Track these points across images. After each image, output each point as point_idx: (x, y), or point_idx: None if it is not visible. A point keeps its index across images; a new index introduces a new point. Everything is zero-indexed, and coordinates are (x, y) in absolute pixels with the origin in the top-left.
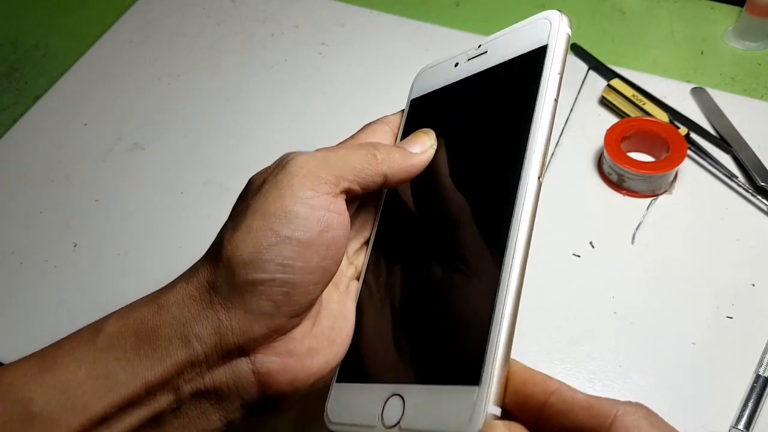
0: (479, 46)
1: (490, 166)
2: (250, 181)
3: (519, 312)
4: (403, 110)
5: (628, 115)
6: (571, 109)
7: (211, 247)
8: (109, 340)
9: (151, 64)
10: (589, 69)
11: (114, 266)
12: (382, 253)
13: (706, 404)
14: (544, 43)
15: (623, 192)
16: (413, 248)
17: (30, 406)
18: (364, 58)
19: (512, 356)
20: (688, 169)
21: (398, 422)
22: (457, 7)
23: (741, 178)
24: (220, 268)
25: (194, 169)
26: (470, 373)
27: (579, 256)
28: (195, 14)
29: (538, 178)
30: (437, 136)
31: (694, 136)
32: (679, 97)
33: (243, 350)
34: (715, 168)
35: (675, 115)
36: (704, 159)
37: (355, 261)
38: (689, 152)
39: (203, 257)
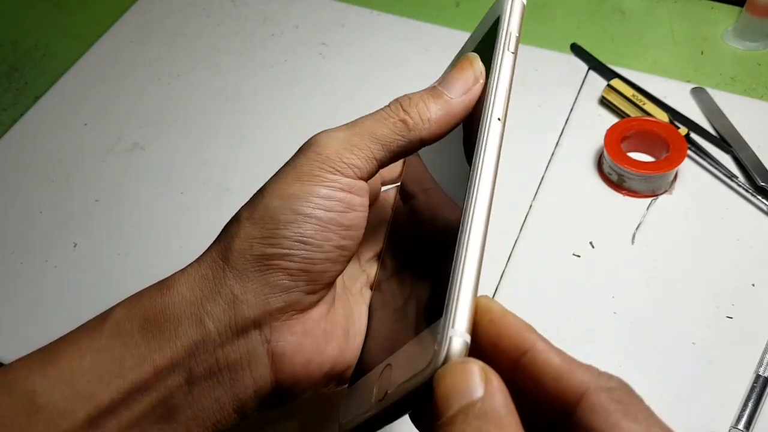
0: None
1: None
2: None
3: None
4: None
5: (628, 115)
6: (571, 109)
7: (225, 227)
8: (115, 327)
9: (151, 64)
10: (589, 69)
11: (114, 266)
12: (388, 263)
13: (706, 404)
14: (500, 14)
15: (623, 192)
16: (415, 257)
17: (34, 399)
18: (364, 58)
19: None
20: (688, 169)
21: (386, 391)
22: (457, 7)
23: (741, 178)
24: (235, 244)
25: (194, 169)
26: (437, 309)
27: (579, 256)
28: (195, 14)
29: (499, 119)
30: None
31: (694, 136)
32: (679, 97)
33: (258, 324)
34: (715, 168)
35: (675, 115)
36: (704, 159)
37: (367, 270)
38: (689, 152)
39: (216, 240)
